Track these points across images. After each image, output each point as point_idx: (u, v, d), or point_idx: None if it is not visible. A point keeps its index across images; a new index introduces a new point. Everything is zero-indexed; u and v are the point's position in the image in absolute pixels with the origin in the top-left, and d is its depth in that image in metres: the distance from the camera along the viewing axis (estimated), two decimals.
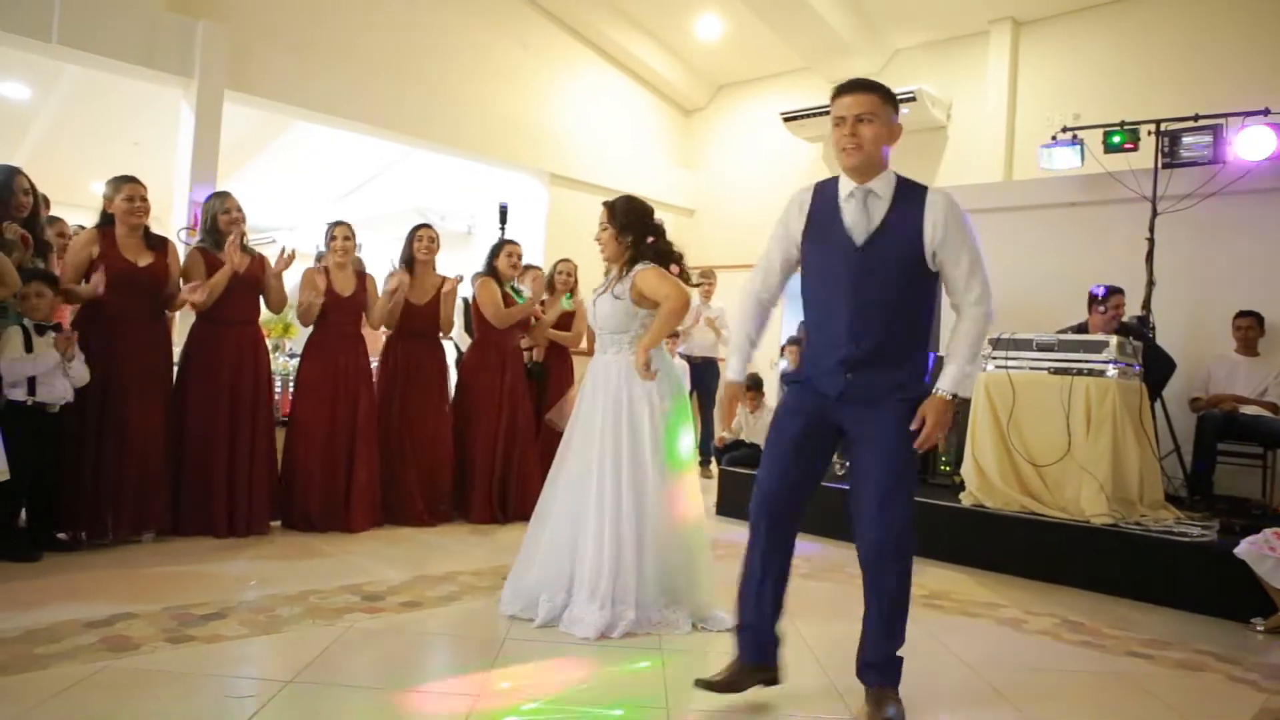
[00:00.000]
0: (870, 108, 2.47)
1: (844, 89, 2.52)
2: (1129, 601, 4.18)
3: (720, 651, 3.06)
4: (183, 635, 2.88)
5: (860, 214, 2.51)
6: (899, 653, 2.54)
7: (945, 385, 2.47)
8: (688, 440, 3.41)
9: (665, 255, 3.42)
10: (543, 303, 5.50)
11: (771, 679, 2.66)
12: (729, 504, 5.92)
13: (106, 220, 4.17)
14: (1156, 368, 5.37)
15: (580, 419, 3.39)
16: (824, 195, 2.61)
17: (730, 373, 2.75)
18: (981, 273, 2.50)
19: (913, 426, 2.46)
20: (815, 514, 2.84)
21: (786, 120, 9.03)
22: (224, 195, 4.60)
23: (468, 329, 6.62)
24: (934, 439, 2.46)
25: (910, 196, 2.51)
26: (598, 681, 2.76)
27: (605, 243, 3.42)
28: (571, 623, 3.16)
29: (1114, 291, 5.59)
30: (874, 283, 2.48)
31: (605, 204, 3.46)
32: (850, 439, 2.56)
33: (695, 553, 3.35)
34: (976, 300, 2.49)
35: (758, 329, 2.75)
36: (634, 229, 3.40)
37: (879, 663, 2.53)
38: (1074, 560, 4.44)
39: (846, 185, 2.55)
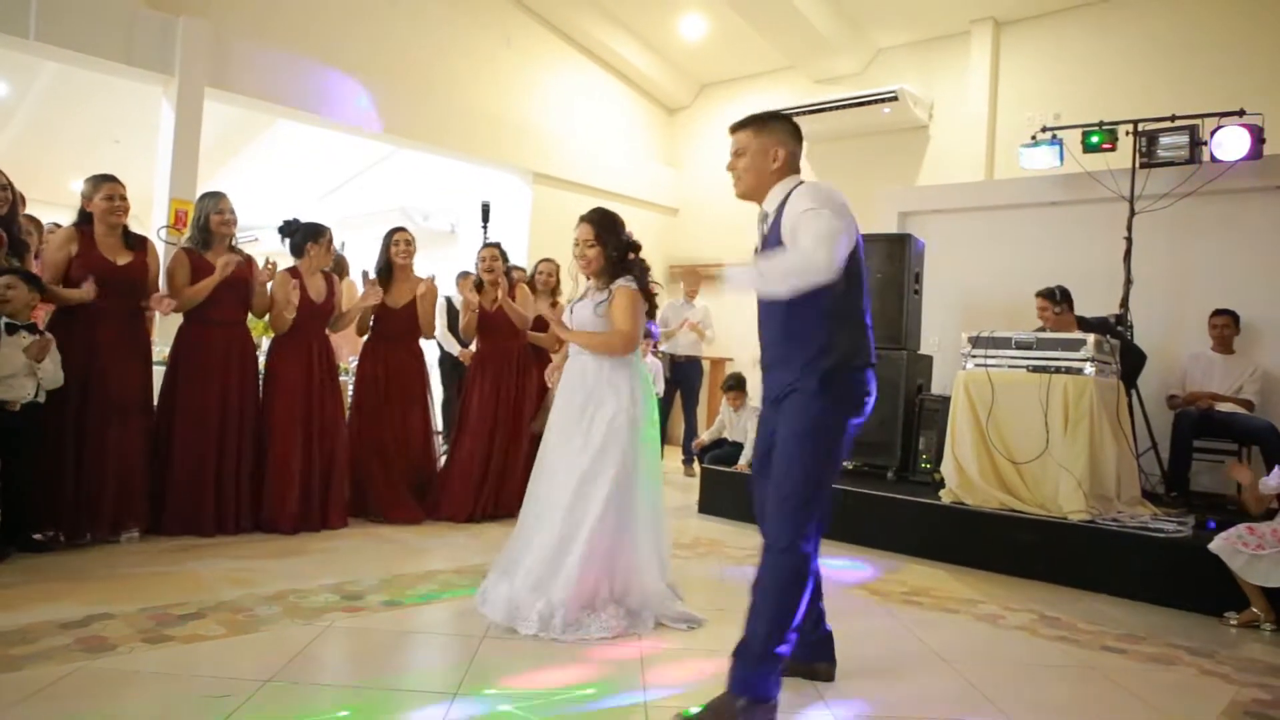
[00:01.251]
0: (740, 144, 2.69)
1: (729, 130, 2.74)
2: (1105, 597, 4.22)
3: (701, 648, 3.09)
4: (160, 635, 2.87)
5: (759, 232, 2.71)
6: (763, 669, 2.45)
7: (730, 272, 2.45)
8: (655, 445, 3.44)
9: (645, 273, 3.50)
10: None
11: (809, 674, 2.80)
12: (711, 502, 5.95)
13: (84, 219, 4.13)
14: (1127, 360, 5.43)
15: (555, 421, 3.43)
16: None
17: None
18: (815, 231, 2.36)
19: None
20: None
21: None
22: (218, 196, 4.53)
23: (452, 330, 6.61)
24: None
25: (789, 200, 2.56)
26: (576, 678, 2.77)
27: (593, 259, 3.44)
28: (523, 617, 3.12)
29: (1038, 295, 5.67)
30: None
31: (587, 221, 3.46)
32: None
33: (653, 552, 3.36)
34: (799, 242, 2.40)
35: None
36: (618, 245, 3.46)
37: (735, 661, 2.48)
38: (1052, 556, 4.48)
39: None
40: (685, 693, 2.67)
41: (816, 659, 2.81)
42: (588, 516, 3.20)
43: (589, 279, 3.52)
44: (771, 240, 2.59)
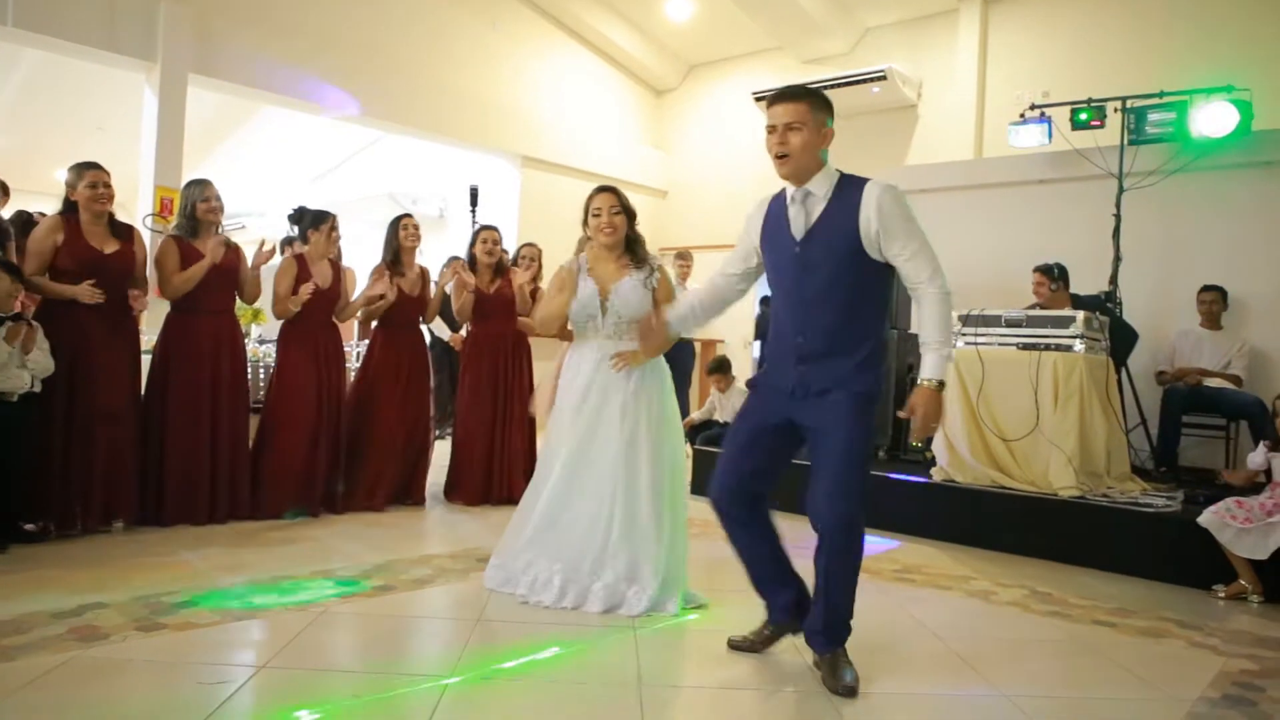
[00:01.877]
0: (799, 116, 2.53)
1: (775, 98, 2.60)
2: (1096, 572, 4.25)
3: (699, 628, 3.11)
4: (154, 624, 2.86)
5: (800, 214, 2.60)
6: (848, 621, 2.65)
7: (927, 373, 2.50)
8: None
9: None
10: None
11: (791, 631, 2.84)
12: (702, 483, 5.95)
13: (69, 208, 4.09)
14: (1119, 339, 5.46)
15: (585, 404, 3.36)
16: (777, 203, 2.70)
17: (667, 314, 3.04)
18: (927, 253, 2.52)
19: (903, 415, 2.57)
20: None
21: (758, 100, 9.00)
22: (204, 183, 4.51)
23: (442, 315, 6.57)
24: (930, 428, 2.53)
25: (848, 190, 2.55)
26: (572, 658, 2.78)
27: (620, 226, 3.41)
28: (624, 604, 3.18)
29: (1036, 269, 5.72)
30: (814, 278, 2.57)
31: (610, 191, 3.45)
32: (806, 430, 2.63)
33: (683, 533, 3.43)
34: (929, 279, 2.51)
35: (703, 302, 2.96)
36: (633, 219, 3.47)
37: (825, 629, 2.63)
38: (1043, 532, 4.51)
39: (790, 190, 2.64)
40: (683, 672, 2.69)
41: (795, 619, 2.82)
42: (678, 504, 3.31)
43: (608, 249, 3.43)
44: (823, 227, 2.54)
